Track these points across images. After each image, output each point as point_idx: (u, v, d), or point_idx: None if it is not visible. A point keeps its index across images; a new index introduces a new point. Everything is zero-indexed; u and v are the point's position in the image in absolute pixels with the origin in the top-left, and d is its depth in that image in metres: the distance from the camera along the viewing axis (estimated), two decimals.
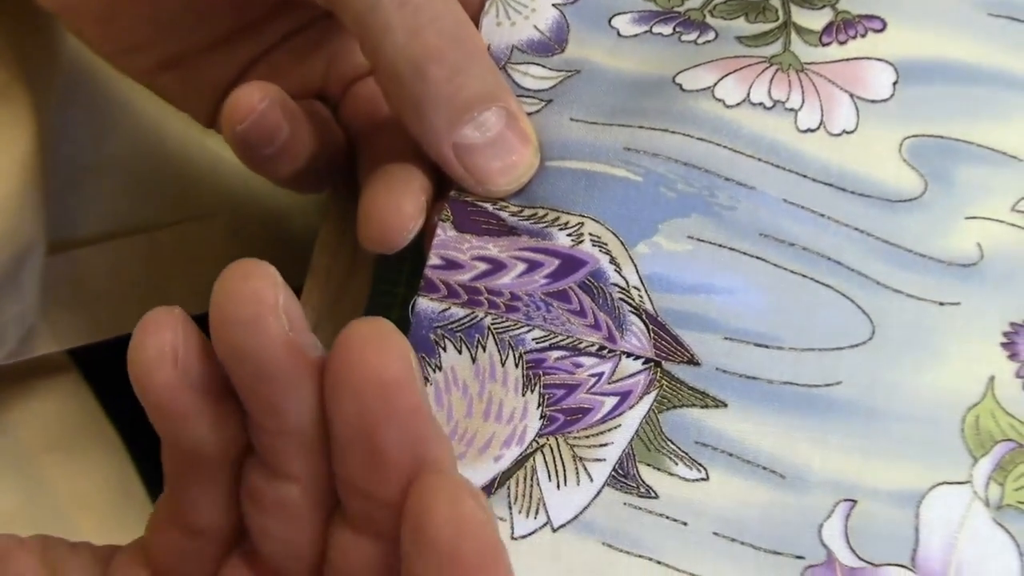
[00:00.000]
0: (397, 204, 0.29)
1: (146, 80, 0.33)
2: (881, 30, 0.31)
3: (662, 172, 0.29)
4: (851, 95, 0.30)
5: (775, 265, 0.29)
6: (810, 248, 0.29)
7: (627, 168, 0.29)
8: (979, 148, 0.30)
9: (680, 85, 0.30)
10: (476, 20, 0.32)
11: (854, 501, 0.27)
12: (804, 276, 0.29)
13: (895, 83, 0.31)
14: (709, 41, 0.31)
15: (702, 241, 0.29)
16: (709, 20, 0.32)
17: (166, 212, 0.46)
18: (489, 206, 0.29)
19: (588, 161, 0.29)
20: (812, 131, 0.30)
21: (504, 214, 0.29)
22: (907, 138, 0.30)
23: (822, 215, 0.29)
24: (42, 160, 0.35)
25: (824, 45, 0.31)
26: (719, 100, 0.30)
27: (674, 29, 0.32)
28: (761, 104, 0.30)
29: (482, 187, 0.29)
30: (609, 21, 0.32)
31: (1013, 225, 0.30)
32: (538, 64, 0.31)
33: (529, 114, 0.30)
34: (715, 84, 0.30)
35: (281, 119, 0.29)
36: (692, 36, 0.31)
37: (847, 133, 0.30)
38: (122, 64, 0.33)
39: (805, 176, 0.29)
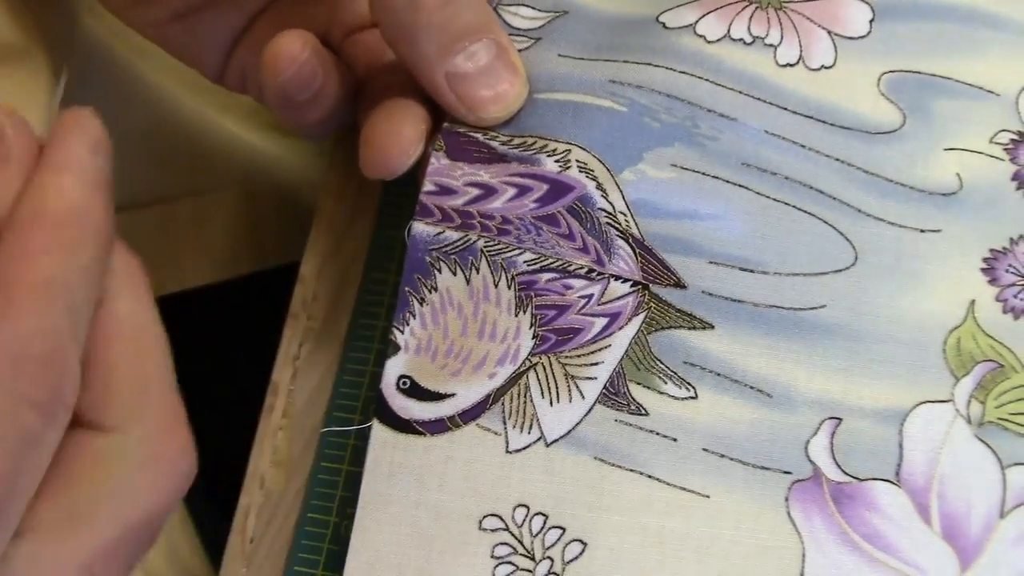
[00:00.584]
0: (397, 130, 0.29)
1: (155, 33, 0.34)
2: None
3: (646, 103, 0.30)
4: (829, 32, 0.31)
5: (757, 193, 0.29)
6: (792, 177, 0.29)
7: (612, 99, 0.30)
8: (956, 83, 0.31)
9: (663, 23, 0.31)
10: None
11: (839, 419, 0.28)
12: (786, 204, 0.29)
13: (871, 20, 0.31)
14: None
15: (686, 169, 0.29)
16: None
17: (180, 184, 0.46)
18: (480, 136, 0.30)
19: (575, 93, 0.30)
20: (791, 66, 0.31)
21: (494, 143, 0.30)
22: (885, 73, 0.31)
23: (803, 146, 0.30)
24: None
25: None
26: (700, 36, 0.31)
27: None
28: (741, 40, 0.31)
29: (473, 115, 0.30)
30: None
31: (992, 156, 0.30)
32: (527, 6, 0.32)
33: (519, 50, 0.31)
34: (696, 21, 0.31)
35: (318, 66, 0.30)
36: None
37: (825, 68, 0.31)
38: (131, 17, 0.33)
39: (785, 109, 0.30)
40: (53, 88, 0.35)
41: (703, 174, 0.29)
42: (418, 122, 0.30)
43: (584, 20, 0.32)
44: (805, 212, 0.29)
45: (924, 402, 0.28)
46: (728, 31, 0.31)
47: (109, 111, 0.42)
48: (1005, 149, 0.30)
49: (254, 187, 0.48)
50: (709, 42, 0.31)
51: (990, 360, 0.28)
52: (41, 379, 0.20)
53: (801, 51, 0.31)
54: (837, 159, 0.30)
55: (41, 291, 0.20)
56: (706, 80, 0.30)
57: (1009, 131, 0.31)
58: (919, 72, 0.31)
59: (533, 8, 0.32)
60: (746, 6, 0.31)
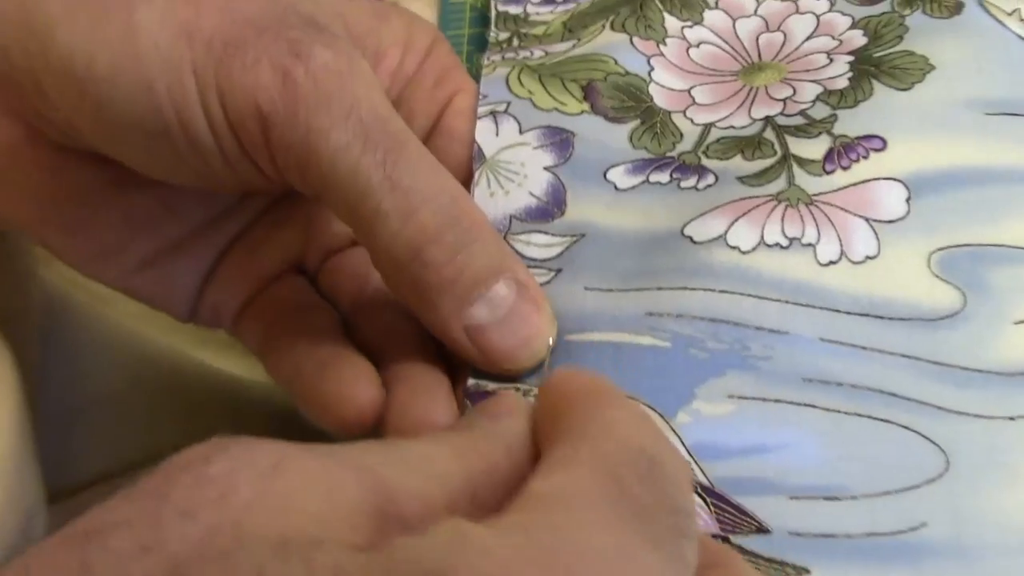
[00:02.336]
0: (427, 409, 0.27)
1: (120, 284, 0.32)
2: (882, 149, 0.30)
3: (689, 333, 0.27)
4: (866, 219, 0.29)
5: (826, 409, 0.27)
6: (859, 384, 0.27)
7: (653, 335, 0.27)
8: (1010, 249, 0.29)
9: (690, 237, 0.29)
10: (465, 185, 0.31)
11: None
12: (860, 415, 0.27)
13: (908, 199, 0.29)
14: (710, 185, 0.30)
15: (744, 398, 0.27)
16: (705, 162, 0.31)
17: (168, 439, 0.44)
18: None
19: (612, 332, 0.28)
20: (834, 263, 0.29)
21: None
22: (934, 252, 0.29)
23: (863, 347, 0.28)
24: (31, 411, 0.33)
25: (828, 173, 0.30)
26: (734, 247, 0.29)
27: (671, 176, 0.31)
28: (777, 244, 0.29)
29: (500, 367, 0.27)
30: (604, 175, 0.31)
31: None
32: (540, 231, 0.30)
33: (540, 285, 0.29)
34: (726, 231, 0.29)
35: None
36: (691, 181, 0.31)
37: (870, 259, 0.29)
38: (94, 270, 0.32)
39: (837, 311, 0.28)
40: (21, 378, 0.33)
41: (764, 400, 0.27)
42: (448, 397, 0.27)
43: (605, 243, 0.30)
44: (881, 420, 0.27)
45: None
46: (762, 237, 0.29)
47: (84, 371, 0.41)
48: None
49: (244, 424, 0.45)
50: (744, 253, 0.29)
51: None
52: None
53: (841, 246, 0.29)
54: (903, 355, 0.28)
55: None
56: (748, 295, 0.28)
57: None
58: (969, 244, 0.29)
59: (547, 234, 0.30)
60: (775, 206, 0.29)
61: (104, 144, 0.28)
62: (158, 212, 0.31)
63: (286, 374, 0.30)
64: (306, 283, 0.33)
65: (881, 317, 0.28)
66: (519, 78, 0.33)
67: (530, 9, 0.37)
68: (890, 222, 0.29)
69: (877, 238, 0.29)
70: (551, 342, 0.28)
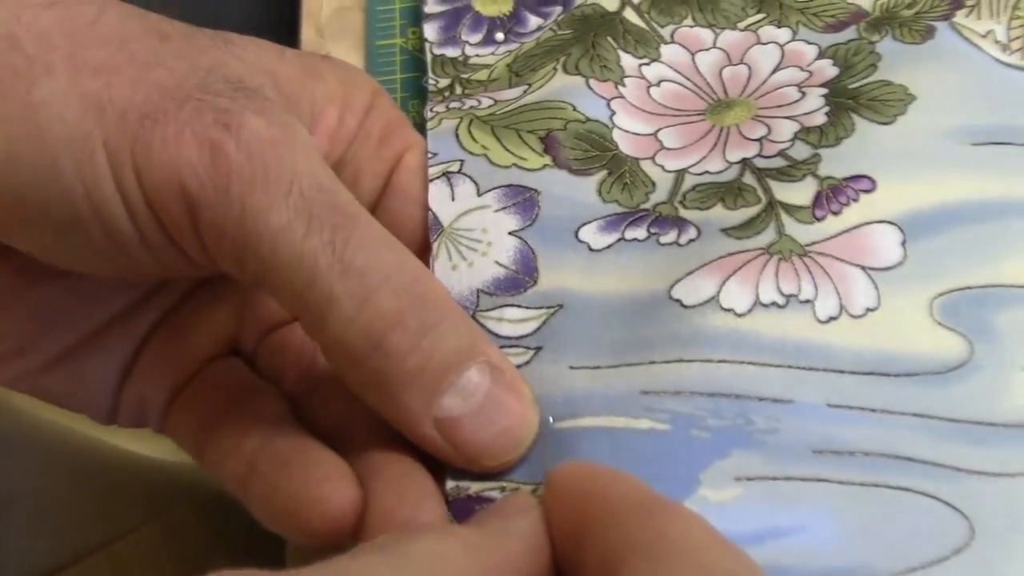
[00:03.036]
0: (415, 512, 0.24)
1: (29, 386, 0.29)
2: (872, 190, 0.28)
3: (689, 411, 0.25)
4: (863, 268, 0.27)
5: (840, 483, 0.25)
6: (872, 451, 0.25)
7: (650, 417, 0.25)
8: (1011, 288, 0.27)
9: (680, 301, 0.27)
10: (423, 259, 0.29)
11: None
12: (876, 485, 0.25)
13: (903, 242, 0.28)
14: (693, 240, 0.28)
15: (752, 480, 0.25)
16: (683, 213, 0.29)
17: (94, 534, 0.40)
18: (496, 491, 0.25)
19: (605, 415, 0.25)
20: (835, 319, 0.27)
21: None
22: (935, 298, 0.27)
23: (873, 410, 0.26)
24: None
25: (819, 220, 0.28)
26: (728, 310, 0.27)
27: (648, 231, 0.29)
28: (774, 303, 0.27)
29: (479, 464, 0.25)
30: (576, 235, 0.29)
31: None
32: (512, 305, 0.28)
33: (518, 366, 0.26)
34: (718, 292, 0.27)
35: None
36: (671, 236, 0.28)
37: (871, 311, 0.27)
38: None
39: (842, 372, 0.26)
40: None
41: (773, 479, 0.25)
42: (435, 492, 0.25)
43: (586, 313, 0.27)
44: (899, 489, 0.25)
45: None
46: (757, 297, 0.27)
47: (14, 475, 0.37)
48: None
49: (172, 515, 0.42)
50: (739, 315, 0.27)
51: None
52: None
53: (840, 300, 0.27)
54: (914, 414, 0.26)
55: None
56: (748, 363, 0.26)
57: None
58: (970, 287, 0.27)
59: (520, 307, 0.28)
60: (767, 260, 0.27)
61: (5, 234, 0.25)
62: (70, 304, 0.28)
63: (233, 471, 0.27)
64: (243, 365, 0.30)
65: (888, 374, 0.26)
66: (470, 131, 0.31)
67: (469, 51, 0.34)
68: (887, 269, 0.27)
69: (876, 288, 0.27)
70: (535, 430, 0.25)
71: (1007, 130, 0.29)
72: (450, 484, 0.25)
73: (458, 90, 0.33)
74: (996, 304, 0.27)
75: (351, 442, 0.26)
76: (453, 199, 0.29)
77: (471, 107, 0.32)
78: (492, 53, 0.34)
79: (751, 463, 0.25)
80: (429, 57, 0.34)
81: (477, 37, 0.34)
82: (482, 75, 0.33)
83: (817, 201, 0.28)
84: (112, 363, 0.29)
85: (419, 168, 0.30)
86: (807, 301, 0.27)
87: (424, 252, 0.29)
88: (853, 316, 0.27)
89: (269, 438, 0.26)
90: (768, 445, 0.25)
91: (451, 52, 0.34)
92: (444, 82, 0.33)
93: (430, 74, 0.33)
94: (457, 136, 0.30)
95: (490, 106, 0.32)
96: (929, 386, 0.26)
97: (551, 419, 0.25)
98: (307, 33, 0.37)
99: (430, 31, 0.34)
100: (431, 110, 0.32)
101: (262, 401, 0.28)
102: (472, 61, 0.34)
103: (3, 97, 0.24)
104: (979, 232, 0.28)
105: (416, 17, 0.36)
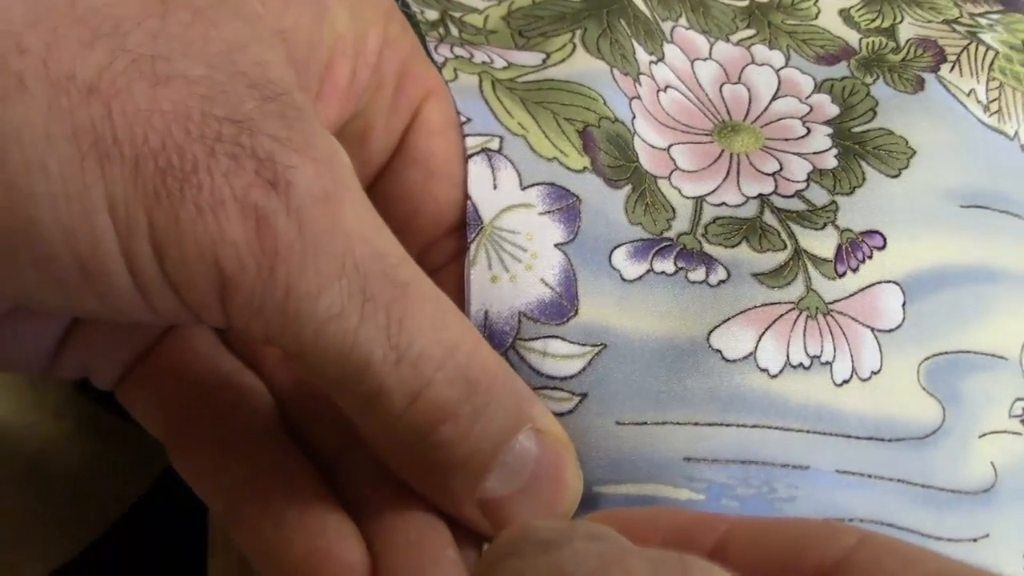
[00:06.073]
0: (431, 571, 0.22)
1: None
2: (883, 247, 0.29)
3: (723, 480, 0.25)
4: (872, 330, 0.28)
5: None
6: (865, 518, 0.27)
7: (690, 487, 0.25)
8: (975, 355, 0.29)
9: (720, 352, 0.26)
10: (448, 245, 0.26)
11: None
12: None
13: (904, 304, 0.29)
14: (723, 281, 0.27)
15: None
16: (708, 249, 0.28)
17: None
18: None
19: (650, 483, 0.25)
20: (847, 382, 0.27)
21: None
22: (922, 362, 0.28)
23: (868, 476, 0.27)
24: None
25: (840, 276, 0.28)
26: (763, 370, 0.26)
27: (676, 265, 0.27)
28: (800, 365, 0.27)
29: None
30: (609, 259, 0.27)
31: (1015, 433, 0.29)
32: (557, 337, 0.25)
33: (561, 415, 0.25)
34: (756, 348, 0.26)
35: None
36: (700, 274, 0.27)
37: (875, 375, 0.28)
38: None
39: (849, 436, 0.27)
40: None
41: None
42: (455, 564, 0.22)
43: (630, 357, 0.26)
44: None
45: None
46: (787, 357, 0.27)
47: None
48: (1022, 421, 0.29)
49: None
50: (772, 377, 0.26)
51: None
52: None
53: (852, 362, 0.27)
54: (899, 480, 0.27)
55: None
56: (775, 428, 0.26)
57: (1022, 399, 0.29)
58: (946, 352, 0.29)
59: (564, 340, 0.25)
60: (796, 317, 0.27)
61: None
62: None
63: (213, 497, 0.23)
64: (212, 336, 0.26)
65: (883, 439, 0.27)
66: (498, 97, 0.27)
67: None
68: (890, 331, 0.28)
69: (880, 350, 0.28)
70: (578, 499, 0.24)
71: (985, 194, 0.31)
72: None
73: (454, 31, 0.29)
74: (964, 370, 0.29)
75: (349, 473, 0.24)
76: (495, 187, 0.26)
77: (484, 63, 0.28)
78: None
79: None
80: None
81: None
82: (475, 20, 0.29)
83: (839, 256, 0.28)
84: (46, 331, 0.24)
85: (442, 126, 0.26)
86: (827, 363, 0.27)
87: (449, 237, 0.25)
88: (861, 379, 0.27)
89: (256, 475, 0.23)
90: (785, 513, 0.26)
91: None
92: (433, 15, 0.29)
93: None
94: (486, 100, 0.27)
95: (505, 68, 0.28)
96: (911, 451, 0.28)
97: (592, 486, 0.24)
98: None
99: None
100: (436, 51, 0.28)
101: (242, 404, 0.24)
102: None
103: None
104: (958, 296, 0.29)
105: None
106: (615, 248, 0.27)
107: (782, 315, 0.27)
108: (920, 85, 0.31)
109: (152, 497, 0.36)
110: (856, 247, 0.28)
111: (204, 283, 0.19)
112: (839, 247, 0.28)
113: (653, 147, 0.29)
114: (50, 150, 0.18)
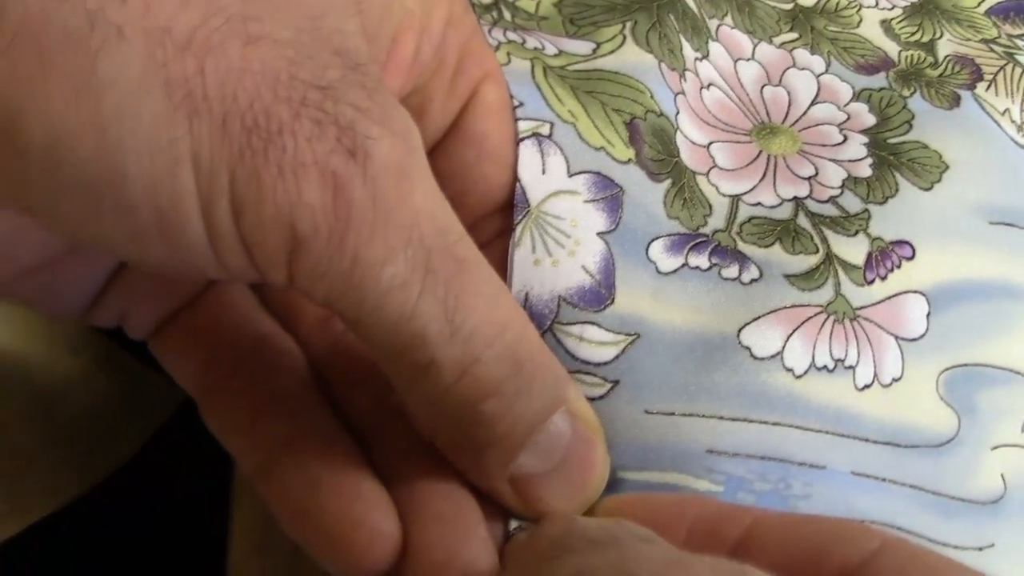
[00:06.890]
0: (457, 551, 0.23)
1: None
2: (912, 257, 0.29)
3: (742, 474, 0.26)
4: (896, 338, 0.28)
5: None
6: (877, 520, 0.27)
7: (710, 478, 0.26)
8: (994, 370, 0.30)
9: (749, 349, 0.27)
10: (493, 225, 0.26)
11: None
12: None
13: (928, 314, 0.29)
14: (755, 280, 0.28)
15: None
16: (742, 247, 0.28)
17: None
18: None
19: (672, 472, 0.25)
20: (868, 387, 0.28)
21: None
22: (942, 373, 0.29)
23: (883, 479, 0.28)
24: None
25: (869, 283, 0.29)
26: (789, 370, 0.27)
27: (710, 261, 0.28)
28: (825, 367, 0.27)
29: (544, 514, 0.24)
30: (647, 250, 0.27)
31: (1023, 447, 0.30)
32: (593, 323, 0.26)
33: (593, 399, 0.25)
34: (783, 348, 0.27)
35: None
36: (733, 271, 0.28)
37: (896, 381, 0.28)
38: None
39: (867, 440, 0.28)
40: None
41: None
42: (486, 541, 0.23)
43: (661, 347, 0.26)
44: None
45: None
46: (813, 359, 0.27)
47: None
48: None
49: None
50: (797, 377, 0.27)
51: None
52: None
53: (875, 368, 0.28)
54: (911, 485, 0.28)
55: None
56: (795, 427, 0.27)
57: None
58: (965, 364, 0.29)
59: (600, 327, 0.26)
60: (824, 320, 0.28)
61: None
62: None
63: (247, 456, 0.24)
64: (250, 295, 0.26)
65: (900, 445, 0.28)
66: (550, 84, 0.28)
67: None
68: (913, 340, 0.29)
69: (902, 358, 0.28)
70: (605, 482, 0.25)
71: (1014, 212, 0.31)
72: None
73: (507, 15, 0.29)
74: (981, 383, 0.29)
75: (382, 443, 0.24)
76: (544, 172, 0.26)
77: (536, 48, 0.28)
78: None
79: None
80: None
81: None
82: (527, 5, 0.30)
83: (868, 263, 0.29)
84: (95, 271, 0.24)
85: (497, 108, 0.26)
86: (850, 367, 0.28)
87: (494, 216, 0.26)
88: (883, 385, 0.28)
89: (292, 436, 0.23)
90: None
91: None
92: None
93: None
94: (538, 86, 0.27)
95: (556, 55, 0.28)
96: (925, 458, 0.28)
97: (618, 471, 0.25)
98: None
99: None
100: (490, 34, 0.28)
101: (280, 365, 0.25)
102: None
103: (52, 68, 0.17)
104: (980, 310, 0.30)
105: None
106: (653, 240, 0.27)
107: (810, 317, 0.28)
108: (956, 101, 0.32)
109: (165, 437, 0.37)
110: (886, 256, 0.29)
111: (277, 243, 0.19)
112: (869, 255, 0.29)
113: (694, 143, 0.29)
114: (143, 101, 0.18)
